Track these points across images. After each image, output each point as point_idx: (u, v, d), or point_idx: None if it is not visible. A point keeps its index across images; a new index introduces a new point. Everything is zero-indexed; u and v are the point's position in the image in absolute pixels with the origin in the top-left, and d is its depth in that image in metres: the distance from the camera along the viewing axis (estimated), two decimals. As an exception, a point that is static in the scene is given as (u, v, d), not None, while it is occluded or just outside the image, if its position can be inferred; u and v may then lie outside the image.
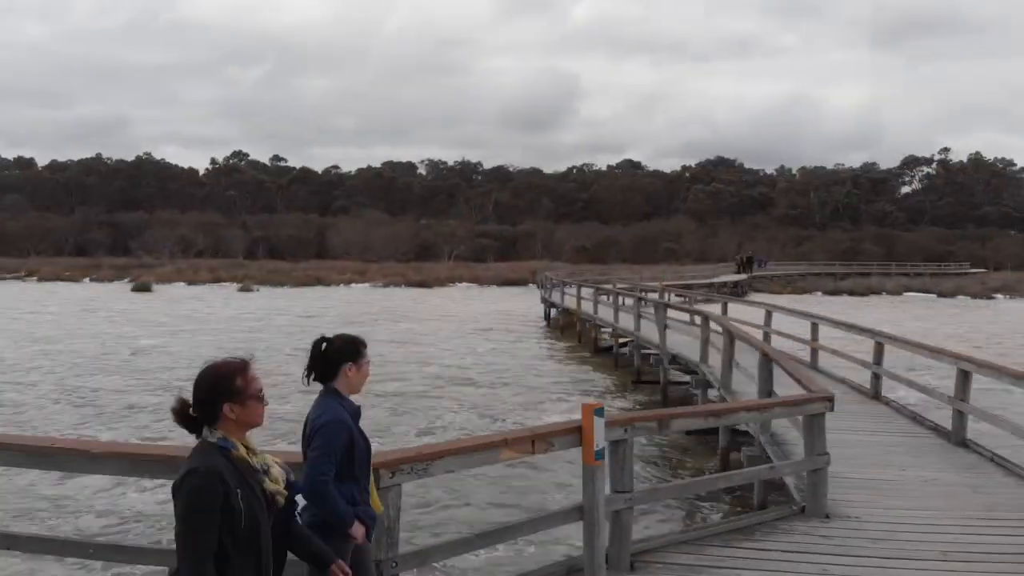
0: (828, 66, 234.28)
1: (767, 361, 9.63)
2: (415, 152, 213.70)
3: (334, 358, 3.82)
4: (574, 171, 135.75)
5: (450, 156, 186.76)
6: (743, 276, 62.96)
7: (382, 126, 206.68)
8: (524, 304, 43.78)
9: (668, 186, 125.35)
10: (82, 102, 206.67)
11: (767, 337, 17.00)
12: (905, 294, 57.14)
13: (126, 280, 63.03)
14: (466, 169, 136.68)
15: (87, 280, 65.82)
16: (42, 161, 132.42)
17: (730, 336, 11.97)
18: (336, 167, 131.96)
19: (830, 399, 7.17)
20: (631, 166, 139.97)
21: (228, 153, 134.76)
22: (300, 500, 3.35)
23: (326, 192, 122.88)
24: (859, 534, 6.33)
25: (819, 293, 58.09)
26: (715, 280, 58.84)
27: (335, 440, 3.61)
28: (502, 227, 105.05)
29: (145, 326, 31.70)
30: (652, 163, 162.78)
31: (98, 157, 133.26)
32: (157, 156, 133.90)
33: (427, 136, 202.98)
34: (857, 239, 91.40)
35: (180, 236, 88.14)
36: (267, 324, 33.19)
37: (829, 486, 6.97)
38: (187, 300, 47.36)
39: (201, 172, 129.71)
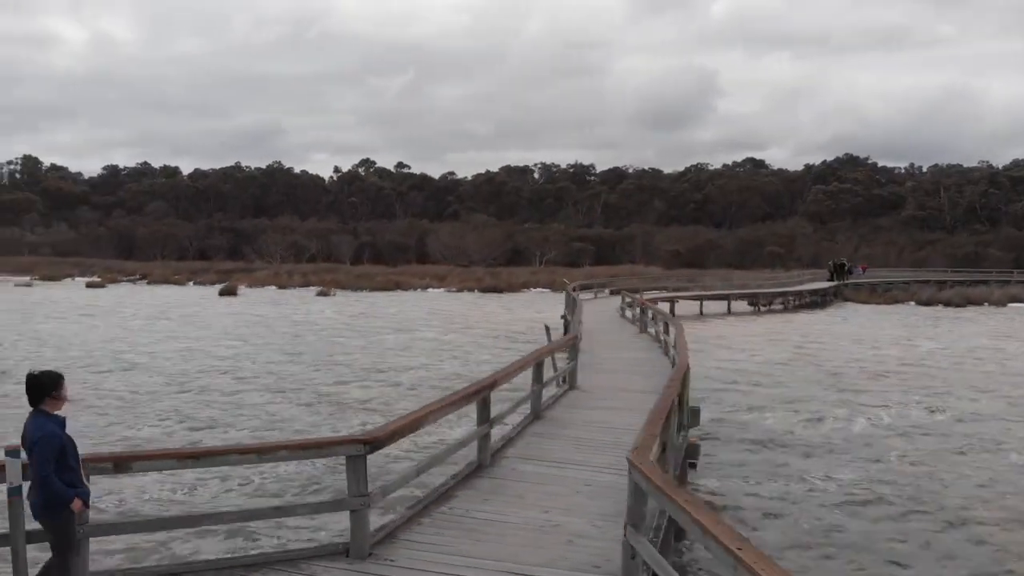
0: (986, 56, 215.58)
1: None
2: (547, 155, 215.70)
3: (40, 388, 5.21)
4: (691, 171, 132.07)
5: (582, 158, 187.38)
6: (832, 284, 59.18)
7: (515, 130, 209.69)
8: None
9: (788, 186, 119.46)
10: (239, 113, 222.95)
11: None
12: (1010, 305, 51.71)
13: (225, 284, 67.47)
14: (579, 172, 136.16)
15: (191, 284, 70.93)
16: (193, 170, 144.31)
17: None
18: (452, 173, 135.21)
19: (367, 442, 6.74)
20: (753, 165, 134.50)
21: (365, 160, 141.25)
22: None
23: (440, 198, 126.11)
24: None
25: (912, 303, 53.66)
26: (799, 288, 55.65)
27: (48, 449, 5.05)
28: (602, 231, 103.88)
29: (171, 331, 33.91)
30: (794, 160, 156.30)
31: (236, 166, 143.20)
32: (306, 163, 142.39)
33: (559, 139, 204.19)
34: (984, 243, 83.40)
35: (292, 242, 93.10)
36: (304, 328, 34.66)
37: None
38: (261, 304, 50.12)
39: (327, 180, 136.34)
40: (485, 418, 9.27)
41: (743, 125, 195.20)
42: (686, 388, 11.53)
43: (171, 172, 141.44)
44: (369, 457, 6.61)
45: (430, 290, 65.32)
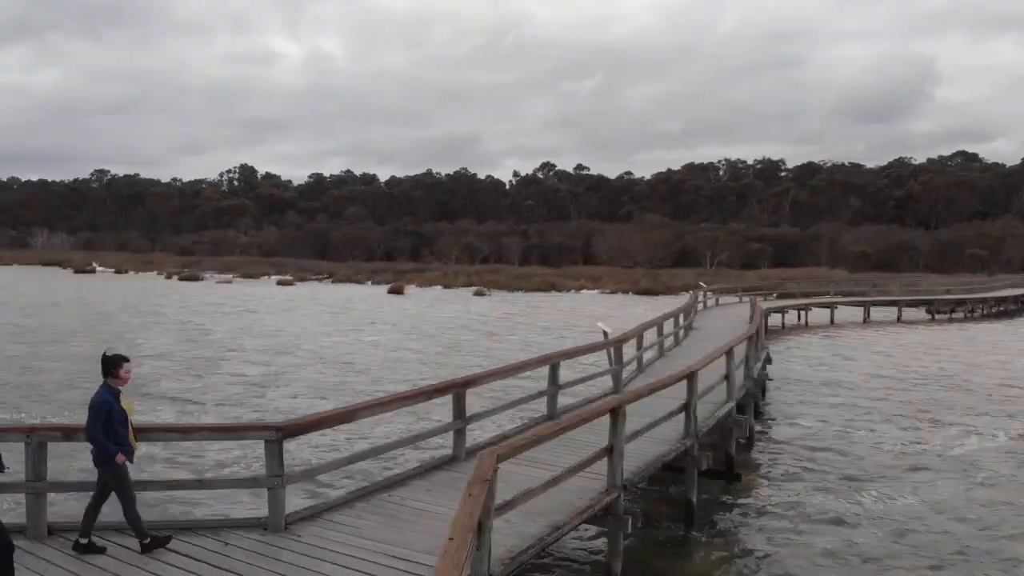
0: None
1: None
2: (739, 151, 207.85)
3: (104, 366, 6.67)
4: (893, 165, 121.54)
5: (777, 153, 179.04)
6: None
7: (707, 127, 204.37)
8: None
9: (1004, 181, 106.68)
10: (438, 122, 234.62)
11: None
12: None
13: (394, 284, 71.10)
14: (768, 167, 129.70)
15: (369, 283, 75.36)
16: (389, 177, 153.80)
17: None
18: (629, 173, 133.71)
19: (280, 429, 7.33)
20: (965, 158, 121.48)
21: (545, 163, 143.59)
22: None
23: (615, 198, 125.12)
24: None
25: None
26: (995, 295, 49.70)
27: (97, 414, 6.49)
28: (786, 230, 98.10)
29: (328, 322, 36.27)
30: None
31: (428, 172, 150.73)
32: (498, 169, 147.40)
33: (754, 135, 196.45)
34: None
35: (466, 244, 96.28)
36: (437, 326, 35.90)
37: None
38: (419, 302, 52.40)
39: (507, 184, 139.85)
40: (459, 414, 9.64)
41: (965, 115, 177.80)
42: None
43: (369, 179, 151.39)
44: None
45: (584, 291, 65.02)
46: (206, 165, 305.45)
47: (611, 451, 8.16)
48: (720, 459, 12.37)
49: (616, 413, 8.16)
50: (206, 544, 6.77)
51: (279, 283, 74.42)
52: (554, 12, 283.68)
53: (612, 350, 14.65)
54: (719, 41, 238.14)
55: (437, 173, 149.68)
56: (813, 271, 74.21)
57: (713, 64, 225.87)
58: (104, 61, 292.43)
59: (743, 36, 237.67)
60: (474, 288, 65.49)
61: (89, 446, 6.63)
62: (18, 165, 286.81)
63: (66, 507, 8.94)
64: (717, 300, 37.77)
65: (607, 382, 14.91)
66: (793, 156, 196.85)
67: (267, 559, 6.47)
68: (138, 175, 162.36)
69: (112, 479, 6.64)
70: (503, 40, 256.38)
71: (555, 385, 12.22)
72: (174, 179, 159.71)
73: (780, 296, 43.98)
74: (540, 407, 12.58)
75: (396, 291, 63.05)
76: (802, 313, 39.74)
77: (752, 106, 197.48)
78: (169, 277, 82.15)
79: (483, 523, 5.48)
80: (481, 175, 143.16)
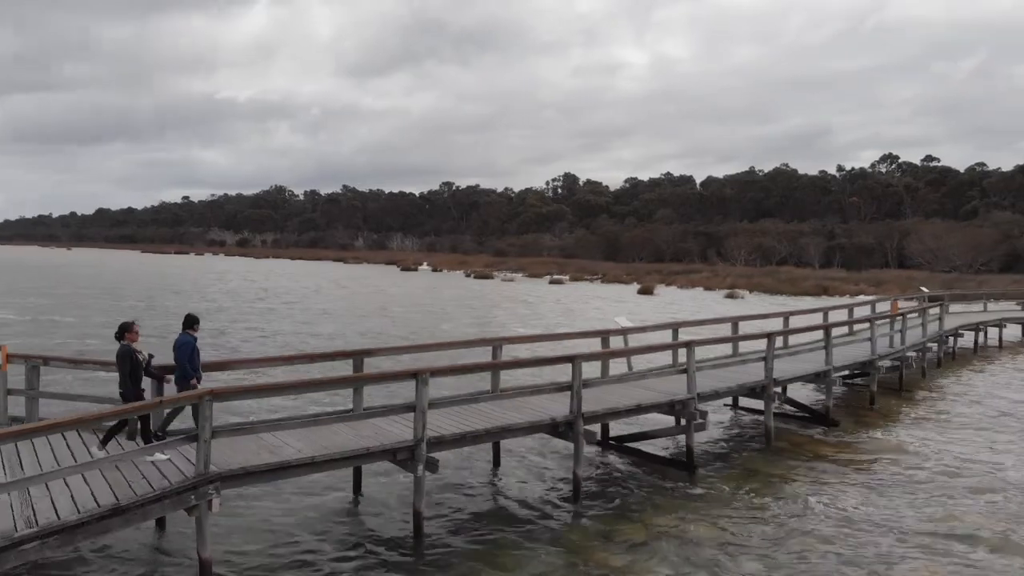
0: None
1: None
2: None
3: (187, 321, 10.12)
4: None
5: None
6: None
7: None
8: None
9: None
10: (786, 116, 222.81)
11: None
12: None
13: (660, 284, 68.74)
14: None
15: (634, 283, 73.69)
16: (706, 177, 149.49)
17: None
18: (982, 164, 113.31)
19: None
20: None
21: (888, 155, 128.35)
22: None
23: (961, 193, 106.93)
24: None
25: None
26: None
27: (184, 349, 9.88)
28: None
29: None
30: None
31: (751, 171, 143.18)
32: (853, 162, 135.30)
33: None
34: None
35: (758, 244, 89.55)
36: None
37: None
38: (659, 302, 50.04)
39: (830, 179, 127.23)
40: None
41: None
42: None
43: (683, 181, 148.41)
44: None
45: (860, 296, 56.29)
46: (547, 174, 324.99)
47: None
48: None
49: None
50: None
51: (551, 282, 76.00)
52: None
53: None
54: None
55: (759, 170, 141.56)
56: None
57: None
58: (471, 83, 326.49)
59: None
60: (729, 290, 60.50)
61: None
62: (394, 179, 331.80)
63: None
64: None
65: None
66: None
67: None
68: (478, 186, 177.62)
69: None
70: (865, 23, 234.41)
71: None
72: (507, 188, 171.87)
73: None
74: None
75: (645, 291, 60.70)
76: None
77: None
78: (468, 275, 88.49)
79: None
80: (830, 169, 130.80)
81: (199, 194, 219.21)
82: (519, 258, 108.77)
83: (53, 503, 7.44)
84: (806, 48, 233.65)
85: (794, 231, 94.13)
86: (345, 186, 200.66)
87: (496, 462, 13.19)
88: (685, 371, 13.14)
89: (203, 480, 8.12)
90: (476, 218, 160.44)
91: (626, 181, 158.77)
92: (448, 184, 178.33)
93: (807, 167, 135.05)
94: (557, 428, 11.50)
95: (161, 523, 9.83)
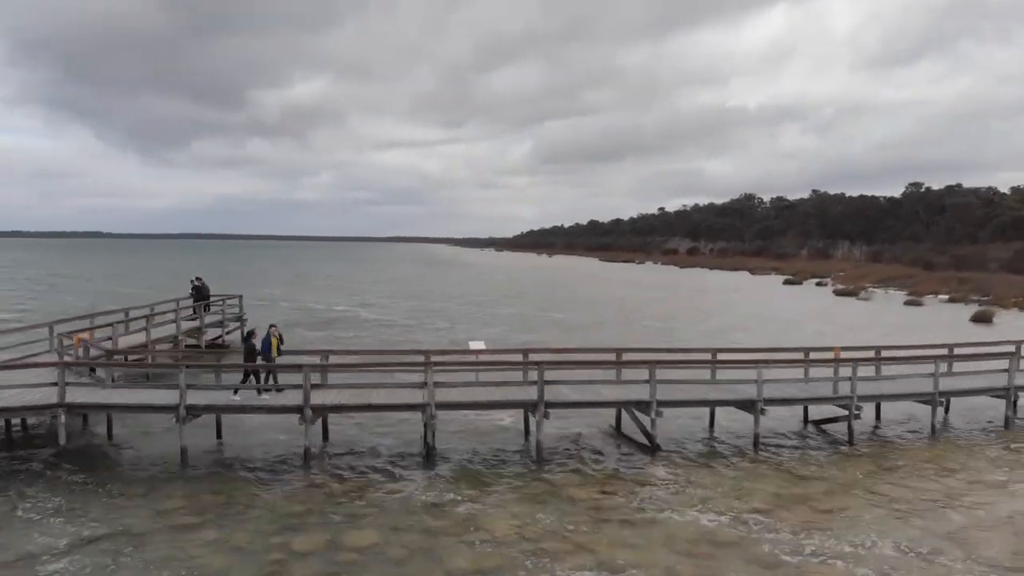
0: None
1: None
2: None
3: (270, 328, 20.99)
4: None
5: None
6: None
7: None
8: None
9: None
10: None
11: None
12: None
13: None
14: None
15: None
16: None
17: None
18: None
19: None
20: None
21: None
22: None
23: None
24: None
25: None
26: None
27: (267, 341, 20.48)
28: None
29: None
30: None
31: None
32: None
33: None
34: None
35: None
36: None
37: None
38: (993, 332, 43.52)
39: None
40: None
41: None
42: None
43: None
44: None
45: None
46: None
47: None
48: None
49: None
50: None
51: (948, 301, 67.44)
52: None
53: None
54: None
55: None
56: None
57: None
58: (1012, 63, 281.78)
59: None
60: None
61: None
62: (904, 176, 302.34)
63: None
64: None
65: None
66: None
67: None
68: (959, 185, 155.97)
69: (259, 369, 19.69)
70: None
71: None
72: (989, 188, 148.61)
73: None
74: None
75: (981, 319, 51.61)
76: None
77: None
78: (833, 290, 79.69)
79: None
80: None
81: (702, 202, 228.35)
82: (961, 272, 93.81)
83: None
84: None
85: None
86: (815, 191, 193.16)
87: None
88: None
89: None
90: (943, 223, 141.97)
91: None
92: (916, 185, 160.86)
93: None
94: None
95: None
